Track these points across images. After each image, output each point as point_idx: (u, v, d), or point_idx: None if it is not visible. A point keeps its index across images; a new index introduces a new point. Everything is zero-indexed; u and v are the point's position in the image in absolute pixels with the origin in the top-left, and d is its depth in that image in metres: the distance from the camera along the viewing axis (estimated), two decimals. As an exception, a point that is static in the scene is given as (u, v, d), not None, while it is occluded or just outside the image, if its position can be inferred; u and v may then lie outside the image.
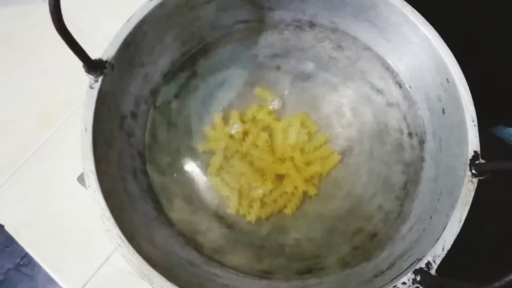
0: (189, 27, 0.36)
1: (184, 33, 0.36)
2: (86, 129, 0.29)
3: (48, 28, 0.28)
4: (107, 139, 0.31)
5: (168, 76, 0.37)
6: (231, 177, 0.35)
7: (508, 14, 0.38)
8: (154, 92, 0.36)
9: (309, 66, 0.38)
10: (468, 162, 0.28)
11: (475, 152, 0.29)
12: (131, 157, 0.33)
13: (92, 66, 0.30)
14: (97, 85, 0.30)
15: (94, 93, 0.30)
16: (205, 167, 0.36)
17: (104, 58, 0.31)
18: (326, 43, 0.38)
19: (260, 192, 0.34)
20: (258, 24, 0.38)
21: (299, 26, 0.38)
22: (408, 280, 0.26)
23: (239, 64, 0.38)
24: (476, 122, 0.30)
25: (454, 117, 0.31)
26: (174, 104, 0.37)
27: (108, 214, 0.27)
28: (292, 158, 0.36)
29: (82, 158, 0.28)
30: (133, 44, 0.33)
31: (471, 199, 0.28)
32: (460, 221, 0.27)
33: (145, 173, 0.34)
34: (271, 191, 0.35)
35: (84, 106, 0.30)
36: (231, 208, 0.34)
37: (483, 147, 0.30)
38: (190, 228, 0.33)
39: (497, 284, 0.22)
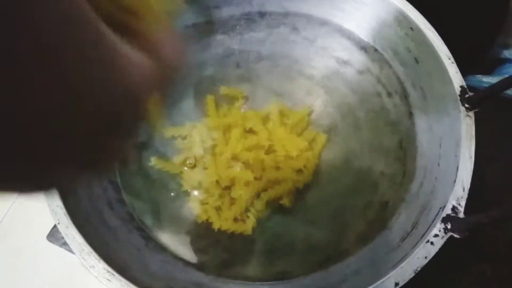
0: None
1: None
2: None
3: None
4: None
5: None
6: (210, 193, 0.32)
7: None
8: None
9: (269, 56, 0.37)
10: (458, 98, 0.27)
11: (461, 87, 0.28)
12: (102, 188, 0.30)
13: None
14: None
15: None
16: (184, 183, 0.32)
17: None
18: (281, 29, 0.37)
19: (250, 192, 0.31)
20: (208, 26, 0.37)
21: (249, 18, 0.37)
22: (439, 230, 0.23)
23: (197, 68, 0.36)
24: (453, 59, 0.29)
25: (429, 62, 0.30)
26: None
27: (87, 248, 0.23)
28: (277, 151, 0.33)
29: (45, 193, 0.24)
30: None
31: (473, 132, 0.26)
32: (471, 157, 0.25)
33: (122, 201, 0.30)
34: (266, 189, 0.31)
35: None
36: (215, 225, 0.31)
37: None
38: (186, 249, 0.29)
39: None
